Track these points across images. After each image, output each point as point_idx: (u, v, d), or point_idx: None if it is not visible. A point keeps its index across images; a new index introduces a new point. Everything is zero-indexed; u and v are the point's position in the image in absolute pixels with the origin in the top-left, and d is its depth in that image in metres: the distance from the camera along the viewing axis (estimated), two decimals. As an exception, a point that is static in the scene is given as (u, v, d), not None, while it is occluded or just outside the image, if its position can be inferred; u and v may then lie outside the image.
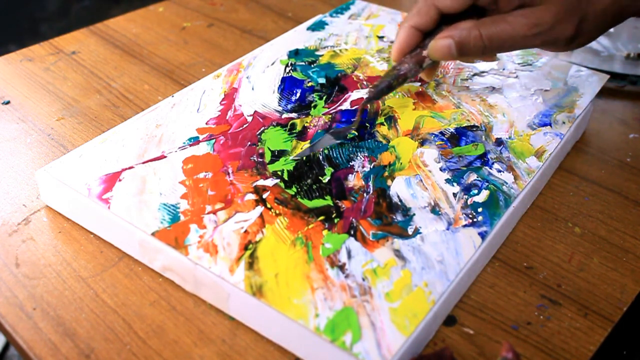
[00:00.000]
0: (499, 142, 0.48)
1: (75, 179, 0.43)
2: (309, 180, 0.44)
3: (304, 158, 0.46)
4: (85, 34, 0.67)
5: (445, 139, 0.48)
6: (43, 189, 0.44)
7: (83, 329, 0.37)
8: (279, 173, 0.44)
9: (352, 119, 0.49)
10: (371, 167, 0.45)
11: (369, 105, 0.51)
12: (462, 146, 0.48)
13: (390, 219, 0.41)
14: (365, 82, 0.54)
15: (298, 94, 0.52)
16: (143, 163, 0.44)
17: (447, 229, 0.41)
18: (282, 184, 0.43)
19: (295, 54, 0.58)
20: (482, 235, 0.40)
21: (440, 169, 0.45)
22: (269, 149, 0.46)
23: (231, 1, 0.76)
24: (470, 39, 0.44)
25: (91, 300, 0.39)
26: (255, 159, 0.45)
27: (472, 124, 0.50)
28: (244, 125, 0.49)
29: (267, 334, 0.37)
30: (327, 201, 0.42)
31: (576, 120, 0.51)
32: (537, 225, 0.46)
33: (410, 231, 0.40)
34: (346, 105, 0.51)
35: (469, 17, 0.45)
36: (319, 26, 0.62)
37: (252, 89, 0.53)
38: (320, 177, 0.44)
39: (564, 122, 0.50)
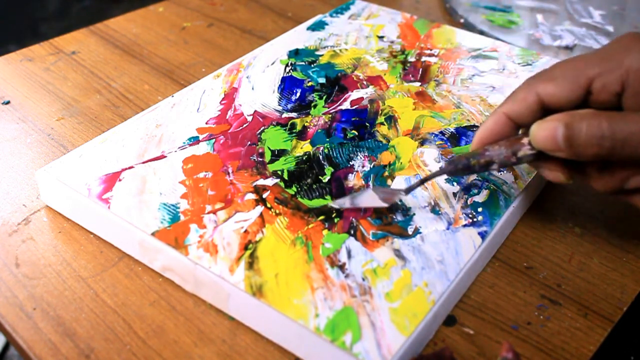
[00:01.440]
0: (499, 142, 0.48)
1: (75, 179, 0.43)
2: (309, 180, 0.44)
3: (304, 158, 0.46)
4: (85, 34, 0.67)
5: (445, 138, 0.48)
6: (43, 189, 0.44)
7: (83, 329, 0.37)
8: (279, 173, 0.44)
9: (399, 190, 0.42)
10: (371, 166, 0.45)
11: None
12: (462, 146, 0.48)
13: (390, 218, 0.41)
14: (365, 82, 0.54)
15: (298, 94, 0.52)
16: (143, 163, 0.44)
17: (447, 228, 0.41)
18: (282, 184, 0.43)
19: (295, 53, 0.58)
20: (482, 235, 0.40)
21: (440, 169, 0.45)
22: (269, 148, 0.46)
23: (231, 1, 0.76)
24: (585, 127, 0.33)
25: (91, 300, 0.39)
26: (255, 158, 0.45)
27: (472, 124, 0.50)
28: (244, 125, 0.49)
29: (267, 334, 0.37)
30: (327, 201, 0.42)
31: (576, 120, 0.51)
32: (537, 225, 0.46)
33: (410, 231, 0.40)
34: (346, 105, 0.51)
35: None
36: (319, 26, 0.62)
37: (252, 88, 0.53)
38: (320, 177, 0.44)
39: (564, 122, 0.50)
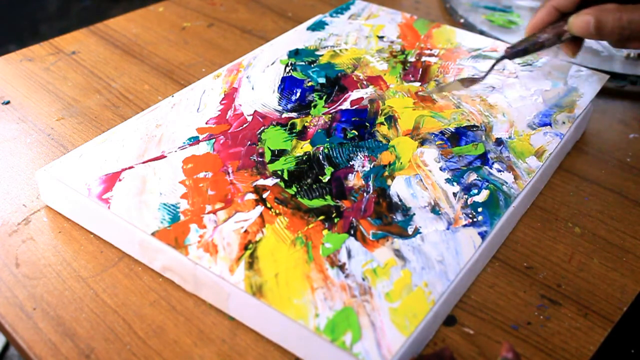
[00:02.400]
0: (499, 142, 0.48)
1: (75, 179, 0.43)
2: (309, 180, 0.44)
3: (304, 158, 0.46)
4: (85, 34, 0.67)
5: (445, 138, 0.48)
6: (43, 189, 0.44)
7: (83, 329, 0.37)
8: (279, 173, 0.44)
9: (477, 76, 0.54)
10: (371, 166, 0.45)
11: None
12: (462, 146, 0.48)
13: (390, 218, 0.41)
14: (365, 82, 0.54)
15: (298, 94, 0.52)
16: (143, 163, 0.44)
17: (447, 228, 0.41)
18: (282, 184, 0.43)
19: (295, 54, 0.58)
20: (482, 235, 0.40)
21: (440, 169, 0.45)
22: (269, 148, 0.46)
23: (231, 1, 0.76)
24: (610, 19, 0.45)
25: (91, 300, 0.39)
26: (255, 158, 0.45)
27: (472, 124, 0.50)
28: (244, 125, 0.49)
29: (267, 334, 0.37)
30: (327, 201, 0.42)
31: (576, 120, 0.51)
32: (537, 225, 0.46)
33: (410, 231, 0.40)
34: (346, 105, 0.51)
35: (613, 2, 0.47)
36: (319, 26, 0.62)
37: (252, 88, 0.53)
38: (320, 177, 0.44)
39: (564, 122, 0.50)
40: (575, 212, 0.47)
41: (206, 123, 0.49)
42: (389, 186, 0.44)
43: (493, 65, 0.52)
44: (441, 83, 0.53)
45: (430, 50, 0.59)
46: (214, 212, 0.41)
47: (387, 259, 0.38)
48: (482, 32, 0.69)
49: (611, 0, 0.47)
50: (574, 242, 0.45)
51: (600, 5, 0.46)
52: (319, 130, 0.48)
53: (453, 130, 0.49)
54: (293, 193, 0.43)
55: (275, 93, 0.52)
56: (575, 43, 0.51)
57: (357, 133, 0.48)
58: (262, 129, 0.48)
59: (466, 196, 0.43)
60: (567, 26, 0.48)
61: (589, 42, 0.67)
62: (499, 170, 0.46)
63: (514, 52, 0.51)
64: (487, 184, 0.44)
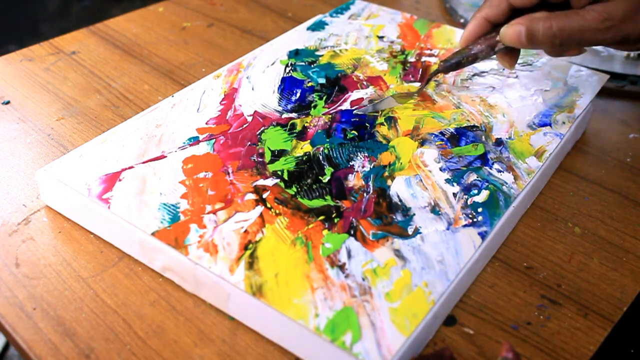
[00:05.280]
0: (499, 142, 0.48)
1: (75, 179, 0.43)
2: (309, 180, 0.44)
3: (304, 158, 0.46)
4: (85, 34, 0.67)
5: (445, 139, 0.48)
6: (43, 189, 0.44)
7: (83, 329, 0.37)
8: (279, 173, 0.44)
9: (410, 92, 0.53)
10: (371, 167, 0.45)
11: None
12: (462, 146, 0.48)
13: (390, 218, 0.41)
14: (365, 82, 0.54)
15: (298, 94, 0.52)
16: (143, 163, 0.44)
17: (447, 229, 0.41)
18: (282, 184, 0.43)
19: (295, 54, 0.58)
20: (482, 235, 0.40)
21: (440, 169, 0.45)
22: (269, 148, 0.46)
23: (231, 1, 0.76)
24: (540, 28, 0.44)
25: (91, 300, 0.39)
26: (255, 158, 0.45)
27: (472, 124, 0.50)
28: (244, 125, 0.49)
29: (267, 334, 0.37)
30: (327, 201, 0.42)
31: (576, 120, 0.51)
32: (537, 225, 0.46)
33: (410, 231, 0.40)
34: (346, 105, 0.51)
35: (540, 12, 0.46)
36: (319, 26, 0.62)
37: (252, 89, 0.53)
38: (320, 177, 0.44)
39: (564, 122, 0.50)
40: (575, 212, 0.47)
41: (206, 123, 0.49)
42: (389, 186, 0.44)
43: (428, 80, 0.51)
44: (376, 100, 0.51)
45: (430, 50, 0.59)
46: (214, 212, 0.41)
47: (387, 259, 0.38)
48: (482, 32, 0.69)
49: (542, 9, 0.46)
50: (574, 242, 0.45)
51: (530, 14, 0.45)
52: (319, 131, 0.48)
53: (453, 130, 0.49)
54: (293, 193, 0.43)
55: (275, 93, 0.52)
56: (511, 54, 0.49)
57: (357, 133, 0.48)
58: (262, 129, 0.48)
59: (466, 196, 0.43)
60: (499, 37, 0.47)
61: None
62: (499, 171, 0.46)
63: (447, 66, 0.49)
64: (487, 184, 0.44)
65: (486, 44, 0.48)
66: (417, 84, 0.54)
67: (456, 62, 0.49)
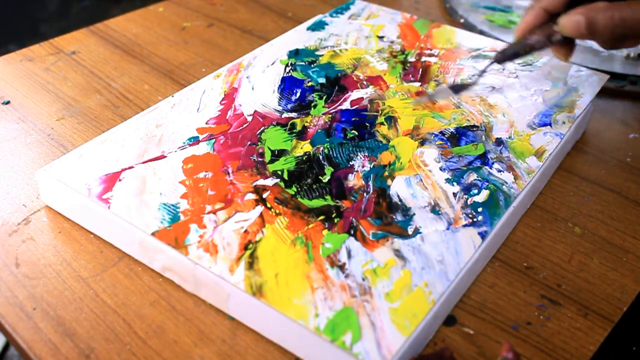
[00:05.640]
0: (499, 142, 0.48)
1: (75, 179, 0.43)
2: (309, 180, 0.44)
3: (304, 158, 0.46)
4: (85, 34, 0.67)
5: (445, 138, 0.48)
6: (43, 189, 0.44)
7: (83, 329, 0.37)
8: (279, 173, 0.44)
9: (470, 79, 0.53)
10: (371, 166, 0.45)
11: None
12: (462, 146, 0.48)
13: (390, 218, 0.41)
14: (365, 82, 0.54)
15: (298, 94, 0.52)
16: (143, 163, 0.44)
17: (447, 228, 0.41)
18: (282, 184, 0.43)
19: (295, 54, 0.58)
20: (482, 235, 0.40)
21: (440, 169, 0.45)
22: (269, 148, 0.46)
23: (231, 1, 0.76)
24: (601, 18, 0.43)
25: (91, 300, 0.39)
26: (255, 158, 0.45)
27: (472, 124, 0.50)
28: (244, 125, 0.49)
29: (267, 334, 0.37)
30: (327, 201, 0.42)
31: (576, 120, 0.51)
32: (537, 225, 0.46)
33: (410, 231, 0.40)
34: (346, 105, 0.51)
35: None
36: (319, 26, 0.62)
37: (252, 88, 0.53)
38: (320, 177, 0.44)
39: (564, 122, 0.50)
40: (575, 212, 0.47)
41: (206, 123, 0.49)
42: (389, 186, 0.44)
43: (484, 70, 0.50)
44: (431, 91, 0.52)
45: (430, 50, 0.59)
46: (214, 212, 0.41)
47: (387, 259, 0.38)
48: (482, 32, 0.69)
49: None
50: (574, 242, 0.45)
51: (591, 4, 0.45)
52: (319, 130, 0.48)
53: (453, 130, 0.49)
54: (293, 193, 0.43)
55: (275, 93, 0.52)
56: (568, 46, 0.48)
57: (357, 133, 0.48)
58: (262, 129, 0.48)
59: (466, 196, 0.43)
60: (557, 27, 0.46)
61: (589, 42, 0.67)
62: (499, 170, 0.46)
63: (504, 57, 0.48)
64: (487, 184, 0.44)
65: (543, 34, 0.47)
66: (417, 84, 0.54)
67: (513, 53, 0.48)
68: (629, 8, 0.43)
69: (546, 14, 0.47)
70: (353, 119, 0.50)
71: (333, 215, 0.41)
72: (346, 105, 0.51)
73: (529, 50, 0.47)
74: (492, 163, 0.46)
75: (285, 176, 0.44)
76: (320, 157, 0.46)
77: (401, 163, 0.46)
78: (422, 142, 0.48)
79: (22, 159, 0.50)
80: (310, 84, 0.54)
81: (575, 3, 0.46)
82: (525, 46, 0.47)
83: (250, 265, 0.37)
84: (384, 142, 0.48)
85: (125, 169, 0.44)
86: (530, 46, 0.47)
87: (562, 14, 0.46)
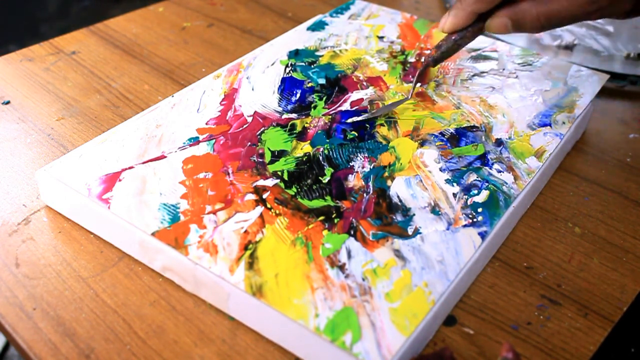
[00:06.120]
0: (499, 142, 0.48)
1: (75, 179, 0.43)
2: (309, 181, 0.44)
3: (304, 158, 0.46)
4: (85, 34, 0.67)
5: (445, 139, 0.48)
6: (43, 189, 0.44)
7: (83, 329, 0.37)
8: (279, 173, 0.44)
9: (404, 97, 0.53)
10: (371, 167, 0.45)
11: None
12: (462, 146, 0.48)
13: (390, 219, 0.41)
14: (365, 83, 0.54)
15: (298, 95, 0.52)
16: (143, 163, 0.44)
17: (447, 229, 0.41)
18: (282, 184, 0.43)
19: (295, 54, 0.58)
20: (482, 235, 0.40)
21: (440, 170, 0.45)
22: (269, 149, 0.46)
23: (231, 1, 0.76)
24: (527, 18, 0.46)
25: (91, 300, 0.39)
26: (255, 159, 0.45)
27: (472, 125, 0.50)
28: (244, 126, 0.49)
29: (267, 334, 0.37)
30: (327, 201, 0.42)
31: (576, 120, 0.51)
32: (537, 225, 0.46)
33: (410, 231, 0.40)
34: (346, 106, 0.51)
35: None
36: (319, 26, 0.62)
37: (252, 89, 0.53)
38: (320, 178, 0.44)
39: (564, 122, 0.50)
40: (575, 212, 0.47)
41: (206, 123, 0.49)
42: (388, 187, 0.44)
43: (417, 79, 0.52)
44: (373, 110, 0.51)
45: (430, 50, 0.59)
46: (214, 212, 0.41)
47: (387, 259, 0.38)
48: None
49: None
50: (574, 242, 0.45)
51: (516, 3, 0.46)
52: (319, 131, 0.48)
53: (453, 131, 0.49)
54: (293, 194, 0.43)
55: (275, 94, 0.52)
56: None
57: (357, 134, 0.48)
58: (262, 129, 0.48)
59: (466, 196, 0.43)
60: (485, 28, 0.48)
61: (589, 42, 0.67)
62: (499, 171, 0.46)
63: (434, 60, 0.50)
64: (487, 184, 0.44)
65: (471, 33, 0.49)
66: (417, 84, 0.54)
67: (444, 55, 0.50)
68: (551, 3, 0.45)
69: (475, 15, 0.48)
70: (351, 120, 0.50)
71: (333, 216, 0.41)
72: (346, 106, 0.51)
73: (457, 47, 0.50)
74: (492, 163, 0.46)
75: (285, 177, 0.44)
76: (320, 157, 0.46)
77: (401, 164, 0.46)
78: (422, 143, 0.48)
79: (22, 159, 0.50)
80: (310, 84, 0.54)
81: (503, 3, 0.47)
82: (453, 45, 0.49)
83: (250, 265, 0.37)
84: (384, 143, 0.48)
85: (125, 169, 0.44)
86: (458, 44, 0.49)
87: (489, 14, 0.48)
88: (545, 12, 0.45)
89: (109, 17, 0.71)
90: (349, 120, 0.49)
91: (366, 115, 0.50)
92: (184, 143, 0.46)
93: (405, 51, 0.59)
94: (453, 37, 0.49)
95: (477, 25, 0.48)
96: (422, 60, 0.52)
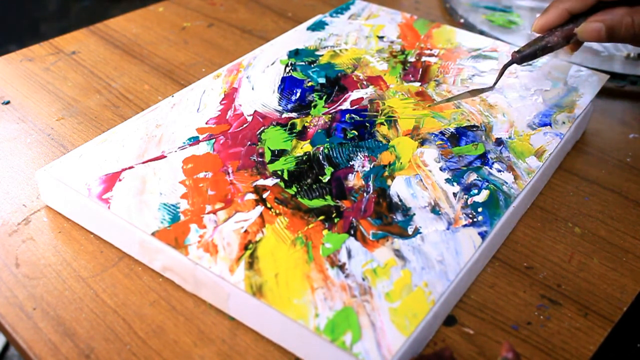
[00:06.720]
0: (499, 142, 0.48)
1: (75, 179, 0.43)
2: (309, 180, 0.44)
3: (304, 158, 0.46)
4: (85, 34, 0.67)
5: (445, 138, 0.48)
6: (43, 189, 0.44)
7: (83, 329, 0.37)
8: (279, 173, 0.44)
9: (487, 85, 0.52)
10: (371, 166, 0.45)
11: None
12: (462, 146, 0.48)
13: (390, 218, 0.41)
14: (365, 82, 0.54)
15: (298, 94, 0.52)
16: (143, 163, 0.44)
17: (447, 228, 0.41)
18: (282, 184, 0.43)
19: (295, 54, 0.58)
20: (482, 235, 0.40)
21: (440, 169, 0.45)
22: (269, 148, 0.46)
23: (231, 1, 0.76)
24: (622, 25, 0.45)
25: (91, 300, 0.39)
26: (255, 158, 0.45)
27: (472, 124, 0.50)
28: (244, 125, 0.49)
29: (267, 334, 0.37)
30: (327, 201, 0.42)
31: (576, 120, 0.51)
32: (537, 225, 0.46)
33: (410, 231, 0.40)
34: (346, 105, 0.51)
35: (625, 5, 0.46)
36: (319, 26, 0.62)
37: (252, 88, 0.53)
38: (320, 177, 0.44)
39: (564, 122, 0.50)
40: (575, 212, 0.47)
41: (206, 123, 0.49)
42: (389, 186, 0.44)
43: (502, 72, 0.50)
44: (446, 93, 0.51)
45: (430, 50, 0.59)
46: (214, 212, 0.41)
47: (387, 259, 0.38)
48: (482, 32, 0.69)
49: (624, 2, 0.46)
50: (574, 242, 0.45)
51: (610, 9, 0.45)
52: (319, 131, 0.48)
53: (453, 130, 0.49)
54: (293, 193, 0.43)
55: (275, 93, 0.52)
56: (577, 43, 0.50)
57: (357, 133, 0.48)
58: (262, 129, 0.48)
59: (466, 196, 0.43)
60: (577, 31, 0.47)
61: (589, 43, 0.67)
62: (499, 170, 0.46)
63: (522, 57, 0.49)
64: (487, 184, 0.44)
65: (562, 36, 0.48)
66: (417, 84, 0.54)
67: (532, 53, 0.48)
68: None
69: (568, 14, 0.47)
70: (350, 118, 0.50)
71: (333, 215, 0.41)
72: (346, 105, 0.51)
73: (547, 51, 0.48)
74: (492, 163, 0.46)
75: (285, 176, 0.44)
76: (320, 157, 0.46)
77: (401, 163, 0.46)
78: (422, 142, 0.48)
79: (22, 159, 0.50)
80: (310, 84, 0.54)
81: (598, 4, 0.47)
82: (544, 48, 0.48)
83: (250, 265, 0.37)
84: (384, 142, 0.48)
85: (125, 169, 0.44)
86: (550, 48, 0.48)
87: (582, 17, 0.47)
88: None
89: (109, 17, 0.71)
90: (348, 117, 0.49)
91: (443, 99, 0.50)
92: (184, 143, 0.46)
93: (405, 51, 0.59)
94: (542, 37, 0.48)
95: (568, 26, 0.47)
96: (513, 52, 0.50)
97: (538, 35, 0.50)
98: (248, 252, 0.38)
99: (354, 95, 0.53)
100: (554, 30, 0.48)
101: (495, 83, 0.51)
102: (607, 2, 0.46)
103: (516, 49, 0.51)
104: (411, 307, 0.36)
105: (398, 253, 0.39)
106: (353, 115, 0.50)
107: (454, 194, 0.43)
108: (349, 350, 0.33)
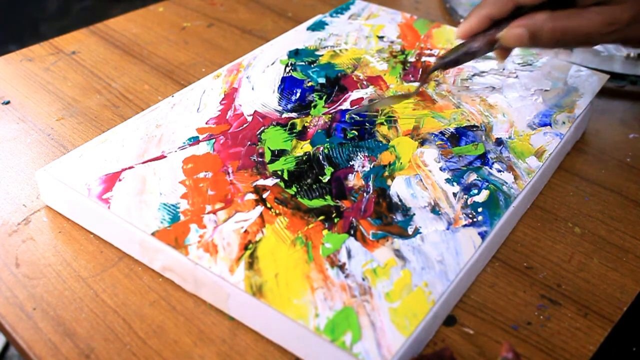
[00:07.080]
0: (499, 142, 0.48)
1: (75, 179, 0.43)
2: (309, 180, 0.44)
3: (304, 158, 0.46)
4: (85, 34, 0.67)
5: (445, 138, 0.48)
6: (43, 189, 0.44)
7: (83, 329, 0.37)
8: (279, 173, 0.44)
9: (408, 92, 0.52)
10: (371, 166, 0.45)
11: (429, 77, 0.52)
12: (462, 146, 0.48)
13: (390, 218, 0.41)
14: (365, 82, 0.54)
15: (298, 94, 0.52)
16: (143, 163, 0.44)
17: (447, 228, 0.41)
18: (282, 184, 0.43)
19: (295, 54, 0.58)
20: (482, 235, 0.40)
21: (440, 169, 0.45)
22: (269, 148, 0.46)
23: (231, 1, 0.76)
24: (543, 30, 0.44)
25: (91, 300, 0.39)
26: (255, 158, 0.45)
27: (472, 124, 0.50)
28: (244, 125, 0.49)
29: (267, 334, 0.37)
30: (327, 201, 0.42)
31: (576, 120, 0.51)
32: (537, 225, 0.46)
33: (410, 231, 0.40)
34: (346, 105, 0.51)
35: (545, 9, 0.45)
36: (319, 26, 0.62)
37: (252, 88, 0.53)
38: (320, 177, 0.44)
39: (564, 122, 0.50)
40: (575, 212, 0.47)
41: (206, 123, 0.49)
42: (389, 186, 0.44)
43: (425, 78, 0.51)
44: (376, 99, 0.51)
45: (430, 50, 0.59)
46: (214, 212, 0.41)
47: (387, 259, 0.38)
48: (482, 32, 0.69)
49: (547, 6, 0.45)
50: (574, 242, 0.45)
51: (532, 14, 0.45)
52: (319, 131, 0.48)
53: (453, 130, 0.49)
54: (293, 193, 0.43)
55: (275, 93, 0.52)
56: (507, 49, 0.50)
57: (357, 133, 0.48)
58: (262, 129, 0.48)
59: (466, 196, 0.43)
60: (499, 36, 0.46)
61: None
62: (499, 171, 0.46)
63: (444, 63, 0.48)
64: (487, 184, 0.44)
65: (485, 42, 0.47)
66: (417, 84, 0.54)
67: (454, 60, 0.48)
68: (569, 19, 0.44)
69: (489, 20, 0.47)
70: (350, 118, 0.50)
71: (333, 215, 0.41)
72: (346, 106, 0.51)
73: (470, 57, 0.48)
74: (492, 163, 0.46)
75: (285, 176, 0.44)
76: (320, 157, 0.46)
77: (401, 163, 0.46)
78: (422, 142, 0.48)
79: (22, 159, 0.50)
80: (310, 84, 0.54)
81: (518, 9, 0.46)
82: (467, 54, 0.48)
83: (250, 265, 0.37)
84: (384, 142, 0.48)
85: (125, 169, 0.44)
86: (472, 54, 0.48)
87: (505, 22, 0.46)
88: (562, 28, 0.44)
89: (109, 17, 0.71)
90: (350, 114, 0.49)
91: (365, 106, 0.50)
92: (184, 143, 0.46)
93: (405, 51, 0.59)
94: (465, 42, 0.48)
95: (490, 32, 0.47)
96: (434, 61, 0.50)
97: (462, 41, 0.49)
98: (248, 252, 0.38)
99: (354, 95, 0.53)
100: (476, 36, 0.47)
101: (418, 89, 0.50)
102: (527, 7, 0.46)
103: (442, 53, 0.50)
104: (411, 307, 0.36)
105: (398, 253, 0.39)
106: (353, 115, 0.50)
107: (454, 194, 0.43)
108: (349, 350, 0.33)
